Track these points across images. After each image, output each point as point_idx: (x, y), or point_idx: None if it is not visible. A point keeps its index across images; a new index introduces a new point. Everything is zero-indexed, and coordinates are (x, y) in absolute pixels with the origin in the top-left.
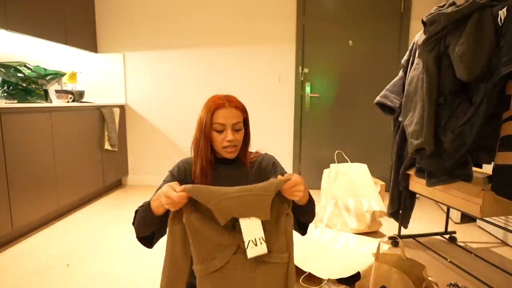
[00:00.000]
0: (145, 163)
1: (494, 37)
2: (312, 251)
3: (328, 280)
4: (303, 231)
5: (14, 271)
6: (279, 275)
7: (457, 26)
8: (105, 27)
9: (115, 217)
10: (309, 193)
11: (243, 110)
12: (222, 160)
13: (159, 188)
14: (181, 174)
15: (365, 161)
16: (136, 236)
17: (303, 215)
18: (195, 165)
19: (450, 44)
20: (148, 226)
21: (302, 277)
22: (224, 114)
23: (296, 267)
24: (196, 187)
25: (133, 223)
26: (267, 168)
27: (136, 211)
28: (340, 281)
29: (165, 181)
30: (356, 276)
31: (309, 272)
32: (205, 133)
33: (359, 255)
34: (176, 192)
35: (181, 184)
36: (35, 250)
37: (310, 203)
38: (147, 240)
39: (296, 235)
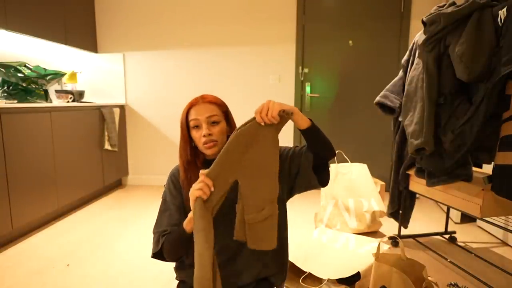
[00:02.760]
0: (145, 163)
1: (494, 37)
2: (312, 251)
3: (328, 280)
4: (322, 179)
5: (14, 271)
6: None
7: (457, 26)
8: (105, 27)
9: (115, 217)
10: (311, 120)
11: (219, 104)
12: (212, 162)
13: (161, 207)
14: (176, 186)
15: (365, 161)
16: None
17: (316, 145)
18: (180, 169)
19: (450, 44)
20: (182, 247)
21: (302, 277)
22: (197, 109)
23: (296, 267)
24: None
25: (154, 255)
26: None
27: (157, 241)
28: (340, 281)
29: (164, 200)
30: (356, 276)
31: (309, 272)
32: (183, 135)
33: (359, 255)
34: (198, 185)
35: (177, 195)
36: (35, 250)
37: (315, 128)
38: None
39: (295, 235)
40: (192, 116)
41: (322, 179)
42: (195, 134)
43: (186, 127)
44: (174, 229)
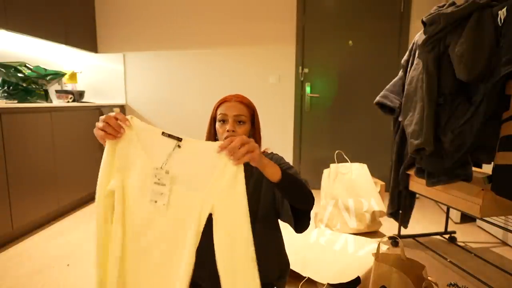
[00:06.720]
0: None
1: (494, 37)
2: (311, 254)
3: (328, 284)
4: (299, 226)
5: (14, 271)
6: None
7: (457, 26)
8: (105, 27)
9: None
10: (283, 169)
11: (248, 105)
12: None
13: None
14: None
15: (365, 161)
16: None
17: (290, 196)
18: None
19: (450, 44)
20: None
21: (301, 283)
22: (227, 105)
23: (295, 272)
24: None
25: None
26: None
27: None
28: (340, 285)
29: None
30: (356, 280)
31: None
32: (209, 129)
33: (359, 259)
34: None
35: None
36: (35, 250)
37: (287, 178)
38: None
39: (294, 235)
40: (221, 110)
41: (299, 226)
42: (219, 128)
43: (213, 121)
44: None
